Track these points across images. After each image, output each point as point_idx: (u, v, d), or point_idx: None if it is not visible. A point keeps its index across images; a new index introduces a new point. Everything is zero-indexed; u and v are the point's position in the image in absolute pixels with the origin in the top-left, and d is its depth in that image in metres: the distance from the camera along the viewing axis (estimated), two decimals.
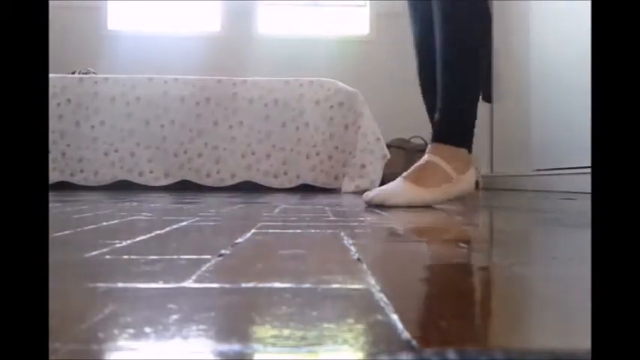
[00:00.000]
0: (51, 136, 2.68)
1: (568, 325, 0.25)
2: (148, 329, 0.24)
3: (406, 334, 0.23)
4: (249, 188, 2.77)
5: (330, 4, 4.30)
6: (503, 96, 3.79)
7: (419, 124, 4.21)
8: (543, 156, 3.02)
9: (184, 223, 0.76)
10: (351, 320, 0.25)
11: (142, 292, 0.31)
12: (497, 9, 3.95)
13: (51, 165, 2.68)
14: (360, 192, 2.52)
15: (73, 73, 3.28)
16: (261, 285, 0.34)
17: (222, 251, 0.48)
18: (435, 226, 0.75)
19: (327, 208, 1.15)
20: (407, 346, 0.22)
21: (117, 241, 0.55)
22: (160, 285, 0.33)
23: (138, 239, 0.57)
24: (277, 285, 0.34)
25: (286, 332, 0.23)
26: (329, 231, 0.67)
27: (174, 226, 0.72)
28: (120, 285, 0.33)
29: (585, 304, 0.29)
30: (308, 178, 2.70)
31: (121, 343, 0.22)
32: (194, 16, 4.26)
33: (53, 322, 0.25)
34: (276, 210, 1.08)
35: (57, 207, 1.13)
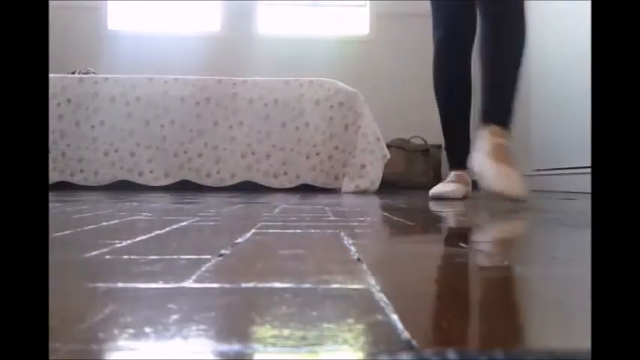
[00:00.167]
0: (51, 136, 2.68)
1: (568, 325, 0.25)
2: (148, 329, 0.24)
3: (406, 334, 0.23)
4: (249, 188, 2.77)
5: (330, 4, 4.30)
6: None
7: (419, 124, 4.22)
8: (543, 156, 3.02)
9: (184, 223, 0.76)
10: (351, 320, 0.25)
11: (142, 292, 0.31)
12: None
13: (51, 165, 2.68)
14: (359, 192, 2.52)
15: (73, 73, 3.28)
16: (261, 285, 0.34)
17: (222, 251, 0.48)
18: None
19: (327, 208, 1.15)
20: (407, 346, 0.22)
21: (117, 241, 0.55)
22: (160, 285, 0.33)
23: (138, 239, 0.57)
24: (277, 285, 0.34)
25: (286, 332, 0.23)
26: (329, 231, 0.67)
27: (174, 226, 0.72)
28: (120, 285, 0.33)
29: (585, 304, 0.29)
30: (308, 178, 2.70)
31: (121, 343, 0.22)
32: (194, 16, 4.26)
33: (53, 322, 0.25)
34: (276, 210, 1.08)
35: (57, 207, 1.13)
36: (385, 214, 1.00)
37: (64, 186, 2.72)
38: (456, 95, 1.85)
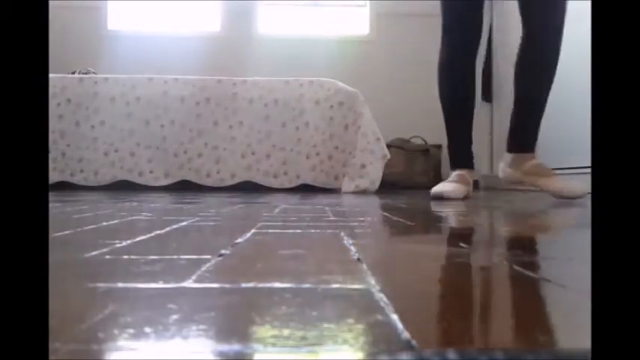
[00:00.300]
0: (51, 136, 2.68)
1: (568, 325, 0.25)
2: (148, 329, 0.24)
3: (406, 334, 0.23)
4: (249, 188, 2.77)
5: (330, 4, 4.30)
6: (503, 96, 3.79)
7: (419, 124, 4.22)
8: (543, 156, 3.02)
9: (184, 223, 0.76)
10: (351, 320, 0.25)
11: (142, 292, 0.31)
12: (497, 9, 3.95)
13: (51, 165, 2.68)
14: (359, 192, 2.52)
15: (73, 73, 3.28)
16: (261, 285, 0.34)
17: (222, 251, 0.48)
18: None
19: (327, 208, 1.15)
20: (407, 346, 0.22)
21: (117, 241, 0.55)
22: (160, 285, 0.33)
23: (138, 239, 0.57)
24: (277, 285, 0.34)
25: (286, 332, 0.23)
26: (329, 231, 0.67)
27: (174, 226, 0.72)
28: (120, 285, 0.33)
29: (585, 304, 0.29)
30: (308, 178, 2.70)
31: (121, 343, 0.22)
32: (194, 16, 4.26)
33: (53, 322, 0.25)
34: (276, 210, 1.08)
35: (57, 207, 1.13)
36: (385, 214, 1.00)
37: (64, 186, 2.72)
38: (460, 96, 1.87)
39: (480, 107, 4.22)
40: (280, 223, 0.77)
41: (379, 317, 0.26)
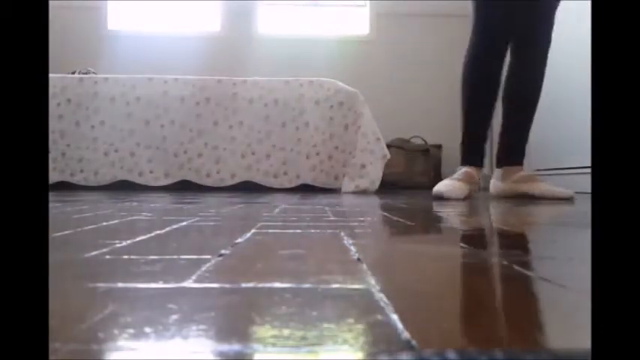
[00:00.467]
0: (51, 136, 2.68)
1: (568, 325, 0.25)
2: (148, 329, 0.24)
3: (406, 334, 0.23)
4: (249, 188, 2.77)
5: (330, 4, 4.30)
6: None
7: (419, 124, 4.22)
8: (543, 156, 3.02)
9: (184, 223, 0.76)
10: (351, 320, 0.25)
11: (142, 292, 0.31)
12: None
13: (51, 165, 2.68)
14: (359, 192, 2.52)
15: (73, 73, 3.28)
16: (261, 285, 0.34)
17: (222, 251, 0.48)
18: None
19: (327, 208, 1.15)
20: (407, 346, 0.22)
21: (117, 241, 0.55)
22: (160, 285, 0.33)
23: (138, 239, 0.57)
24: (277, 285, 0.34)
25: (286, 332, 0.23)
26: (329, 231, 0.67)
27: (174, 226, 0.72)
28: (120, 285, 0.33)
29: (585, 304, 0.29)
30: (308, 178, 2.70)
31: (121, 343, 0.22)
32: (194, 16, 4.26)
33: (53, 322, 0.25)
34: (276, 210, 1.08)
35: (57, 207, 1.13)
36: (385, 214, 1.00)
37: (64, 186, 2.72)
38: (481, 96, 1.91)
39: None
40: (280, 223, 0.77)
41: (379, 317, 0.26)
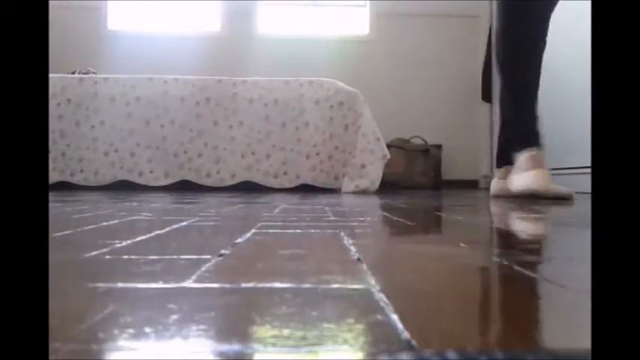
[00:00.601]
0: (51, 136, 2.68)
1: (568, 325, 0.25)
2: (148, 329, 0.24)
3: (406, 334, 0.23)
4: (249, 188, 2.77)
5: (330, 4, 4.30)
6: None
7: (419, 124, 4.22)
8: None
9: (184, 223, 0.76)
10: (351, 320, 0.25)
11: (142, 292, 0.31)
12: (496, 9, 3.95)
13: (51, 165, 2.68)
14: (359, 192, 2.52)
15: (73, 73, 3.28)
16: (261, 285, 0.34)
17: (222, 251, 0.48)
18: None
19: (327, 208, 1.15)
20: (407, 346, 0.22)
21: (117, 241, 0.55)
22: (160, 285, 0.33)
23: (138, 239, 0.57)
24: (277, 285, 0.34)
25: (286, 332, 0.23)
26: (329, 231, 0.67)
27: (174, 226, 0.72)
28: (120, 285, 0.33)
29: (585, 304, 0.29)
30: (308, 178, 2.70)
31: (121, 343, 0.22)
32: (194, 16, 4.26)
33: (53, 322, 0.25)
34: (276, 210, 1.08)
35: (57, 207, 1.13)
36: (385, 214, 1.00)
37: (64, 186, 2.72)
38: (529, 62, 1.76)
39: (479, 107, 4.22)
40: (280, 223, 0.77)
41: (379, 317, 0.26)
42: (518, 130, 1.77)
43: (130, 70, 4.06)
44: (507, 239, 0.61)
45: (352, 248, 0.51)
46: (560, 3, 2.77)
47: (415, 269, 0.40)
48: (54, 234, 0.61)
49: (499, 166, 1.98)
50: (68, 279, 0.35)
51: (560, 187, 1.68)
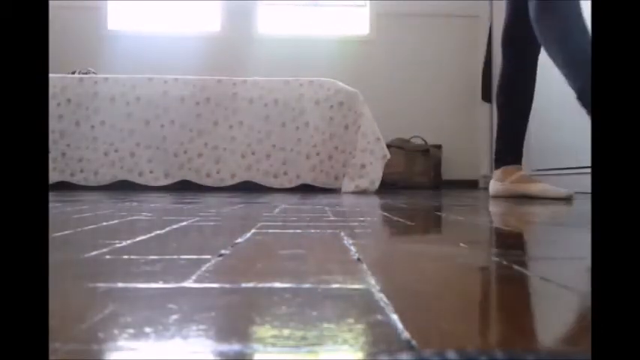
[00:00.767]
0: (51, 136, 2.68)
1: (568, 325, 0.25)
2: (148, 329, 0.24)
3: (406, 334, 0.23)
4: (249, 188, 2.77)
5: (330, 4, 4.30)
6: None
7: (419, 124, 4.22)
8: (543, 156, 3.02)
9: (184, 223, 0.76)
10: (351, 320, 0.25)
11: (142, 292, 0.31)
12: (496, 9, 3.95)
13: (51, 165, 2.68)
14: (359, 192, 2.52)
15: (73, 73, 3.28)
16: (261, 285, 0.34)
17: (222, 251, 0.48)
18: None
19: (327, 208, 1.15)
20: (407, 346, 0.22)
21: (117, 241, 0.55)
22: (160, 285, 0.33)
23: (138, 239, 0.57)
24: (277, 285, 0.34)
25: (286, 332, 0.23)
26: (329, 231, 0.67)
27: (174, 226, 0.72)
28: (120, 285, 0.33)
29: (585, 304, 0.29)
30: (308, 178, 2.70)
31: (121, 343, 0.22)
32: (194, 16, 4.26)
33: (53, 322, 0.25)
34: (276, 210, 1.08)
35: (57, 207, 1.13)
36: (385, 214, 1.00)
37: (64, 186, 2.72)
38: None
39: (479, 107, 4.22)
40: (280, 223, 0.77)
41: (379, 317, 0.26)
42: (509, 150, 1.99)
43: (130, 70, 4.06)
44: (507, 239, 0.61)
45: (352, 248, 0.51)
46: None
47: (415, 269, 0.40)
48: (54, 234, 0.61)
49: (497, 167, 2.00)
50: (68, 279, 0.35)
51: (560, 189, 1.79)
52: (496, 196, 1.98)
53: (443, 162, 4.14)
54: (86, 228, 0.69)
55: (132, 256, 0.45)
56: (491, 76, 4.04)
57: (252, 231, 0.66)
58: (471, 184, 4.18)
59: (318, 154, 2.70)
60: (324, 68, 4.17)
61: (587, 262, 0.44)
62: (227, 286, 0.33)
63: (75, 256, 0.45)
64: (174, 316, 0.26)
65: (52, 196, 1.68)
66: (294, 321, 0.25)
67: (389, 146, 3.73)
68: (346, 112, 2.72)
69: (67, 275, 0.37)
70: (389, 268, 0.40)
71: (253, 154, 2.71)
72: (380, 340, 0.22)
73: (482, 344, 0.22)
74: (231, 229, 0.68)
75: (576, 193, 2.46)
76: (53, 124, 2.68)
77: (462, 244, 0.54)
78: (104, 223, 0.75)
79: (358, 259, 0.44)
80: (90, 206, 1.16)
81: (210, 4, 4.24)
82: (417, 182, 3.75)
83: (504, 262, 0.43)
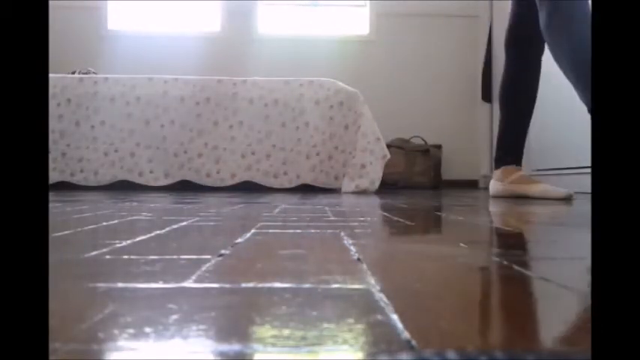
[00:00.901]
0: (51, 136, 2.68)
1: (568, 325, 0.25)
2: (148, 329, 0.24)
3: (406, 334, 0.23)
4: (249, 188, 2.77)
5: (330, 4, 4.30)
6: None
7: (419, 124, 4.22)
8: (543, 156, 3.02)
9: (184, 223, 0.76)
10: (351, 320, 0.25)
11: (142, 292, 0.31)
12: (496, 9, 3.95)
13: (51, 165, 2.68)
14: (359, 192, 2.52)
15: (73, 73, 3.28)
16: (261, 285, 0.34)
17: (222, 251, 0.48)
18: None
19: (327, 208, 1.15)
20: (407, 346, 0.22)
21: (117, 241, 0.55)
22: (160, 285, 0.33)
23: (138, 239, 0.57)
24: (277, 285, 0.34)
25: (286, 332, 0.23)
26: (329, 231, 0.67)
27: (174, 226, 0.72)
28: (120, 285, 0.33)
29: (585, 304, 0.29)
30: (308, 178, 2.70)
31: (121, 343, 0.22)
32: (194, 16, 4.26)
33: (53, 322, 0.25)
34: (276, 210, 1.08)
35: (57, 207, 1.13)
36: (385, 214, 1.00)
37: (64, 186, 2.72)
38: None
39: (479, 107, 4.22)
40: (280, 223, 0.77)
41: (379, 317, 0.26)
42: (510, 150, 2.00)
43: (130, 70, 4.06)
44: (507, 239, 0.61)
45: (352, 248, 0.51)
46: None
47: (415, 269, 0.40)
48: (54, 234, 0.61)
49: (497, 167, 2.00)
50: (68, 279, 0.35)
51: (560, 189, 1.80)
52: (496, 196, 1.98)
53: (443, 162, 4.14)
54: (86, 228, 0.69)
55: (132, 256, 0.45)
56: (491, 76, 4.04)
57: (252, 231, 0.66)
58: (471, 184, 4.18)
59: (318, 154, 2.70)
60: (324, 68, 4.17)
61: (587, 262, 0.44)
62: (227, 286, 0.33)
63: (75, 256, 0.45)
64: (174, 316, 0.26)
65: (52, 196, 1.68)
66: (294, 321, 0.25)
67: (389, 146, 3.73)
68: (346, 112, 2.72)
69: (67, 275, 0.37)
70: (389, 268, 0.40)
71: (253, 154, 2.71)
72: (380, 340, 0.22)
73: (483, 344, 0.22)
74: (231, 229, 0.68)
75: (576, 193, 2.46)
76: (53, 124, 2.68)
77: (462, 244, 0.54)
78: (104, 223, 0.75)
79: (358, 259, 0.44)
80: (90, 206, 1.16)
81: (210, 4, 4.24)
82: (417, 182, 3.75)
83: (504, 262, 0.43)
